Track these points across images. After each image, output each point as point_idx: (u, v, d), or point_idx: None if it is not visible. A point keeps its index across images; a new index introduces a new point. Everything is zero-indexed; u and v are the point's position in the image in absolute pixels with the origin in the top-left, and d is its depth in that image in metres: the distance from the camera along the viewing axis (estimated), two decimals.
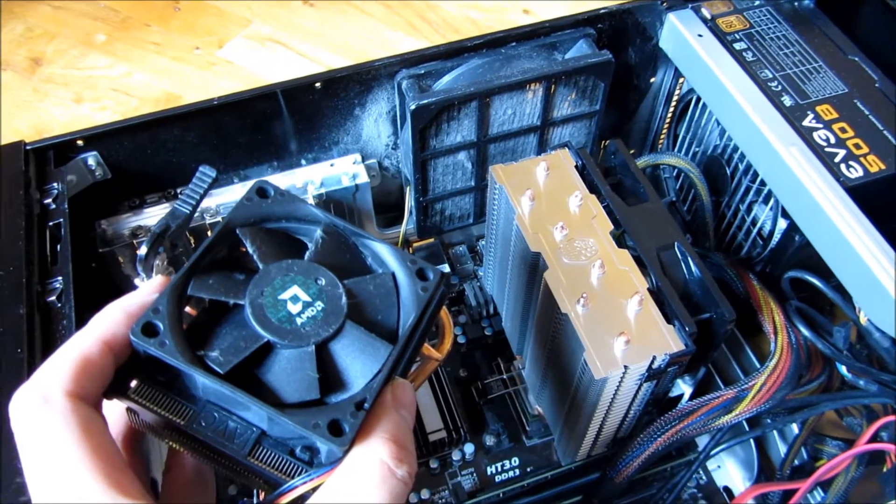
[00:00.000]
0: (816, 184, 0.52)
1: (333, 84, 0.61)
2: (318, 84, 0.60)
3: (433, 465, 0.62)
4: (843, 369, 0.55)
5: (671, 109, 0.72)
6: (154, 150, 0.60)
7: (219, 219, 0.61)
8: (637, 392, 0.49)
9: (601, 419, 0.51)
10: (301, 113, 0.62)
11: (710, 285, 0.49)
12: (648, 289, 0.49)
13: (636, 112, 0.74)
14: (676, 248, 0.51)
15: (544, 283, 0.49)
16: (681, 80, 0.69)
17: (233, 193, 0.63)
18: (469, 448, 0.63)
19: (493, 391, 0.66)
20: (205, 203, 0.62)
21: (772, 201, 0.59)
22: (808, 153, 0.53)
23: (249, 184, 0.65)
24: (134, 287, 0.49)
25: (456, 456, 0.63)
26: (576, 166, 0.56)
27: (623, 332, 0.45)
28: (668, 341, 0.46)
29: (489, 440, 0.64)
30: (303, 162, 0.66)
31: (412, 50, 0.61)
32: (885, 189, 0.53)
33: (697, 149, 0.69)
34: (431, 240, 0.73)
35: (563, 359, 0.50)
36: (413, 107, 0.58)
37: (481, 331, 0.70)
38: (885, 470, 0.53)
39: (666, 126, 0.74)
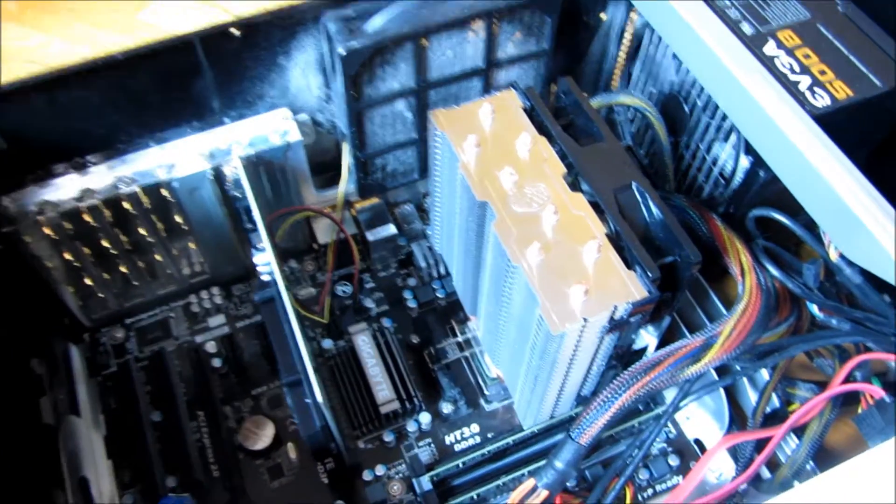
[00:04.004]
0: (782, 113, 0.48)
1: (253, 31, 0.55)
2: (235, 31, 0.55)
3: (387, 438, 0.58)
4: (815, 308, 0.53)
5: (624, 47, 0.68)
6: (53, 116, 0.54)
7: (134, 187, 0.56)
8: (599, 346, 0.46)
9: (562, 378, 0.48)
10: (220, 65, 0.57)
11: (673, 226, 0.45)
12: (606, 234, 0.45)
13: (587, 52, 0.70)
14: (634, 189, 0.47)
15: (493, 234, 0.45)
16: (632, 14, 0.64)
17: (148, 158, 0.57)
18: (425, 418, 0.59)
19: (448, 356, 0.62)
20: (119, 171, 0.56)
21: (733, 138, 0.55)
22: (772, 81, 0.50)
23: (167, 146, 0.59)
24: (46, 269, 0.43)
25: (411, 427, 0.59)
26: (524, 108, 0.52)
27: (580, 281, 0.42)
28: (630, 289, 0.42)
29: (446, 408, 0.60)
30: (226, 120, 0.60)
31: None
32: (853, 116, 0.49)
33: (653, 89, 0.65)
34: (375, 200, 0.68)
35: (518, 315, 0.46)
36: (342, 52, 0.53)
37: (433, 293, 0.66)
38: (860, 411, 0.50)
39: (619, 66, 0.69)
